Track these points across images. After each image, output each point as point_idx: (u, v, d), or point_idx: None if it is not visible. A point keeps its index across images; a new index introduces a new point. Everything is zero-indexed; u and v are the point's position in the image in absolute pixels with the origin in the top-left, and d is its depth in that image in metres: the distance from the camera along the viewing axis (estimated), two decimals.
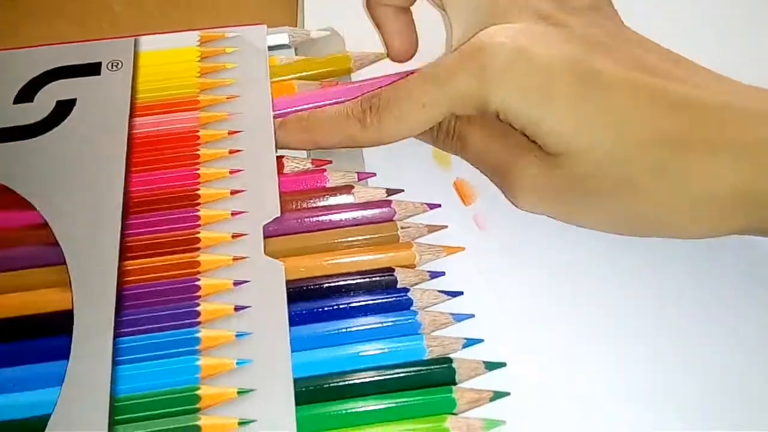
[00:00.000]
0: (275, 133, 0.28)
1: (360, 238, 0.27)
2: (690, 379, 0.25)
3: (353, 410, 0.23)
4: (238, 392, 0.22)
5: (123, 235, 0.25)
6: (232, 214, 0.26)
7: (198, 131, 0.28)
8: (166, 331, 0.23)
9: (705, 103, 0.24)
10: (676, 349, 0.25)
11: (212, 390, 0.22)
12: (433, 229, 0.28)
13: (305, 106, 0.30)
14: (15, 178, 0.26)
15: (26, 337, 0.23)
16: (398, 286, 0.26)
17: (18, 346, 0.23)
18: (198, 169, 0.27)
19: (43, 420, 0.21)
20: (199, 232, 0.25)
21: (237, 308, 0.23)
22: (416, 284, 0.26)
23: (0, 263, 0.25)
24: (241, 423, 0.21)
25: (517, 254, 0.28)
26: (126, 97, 0.28)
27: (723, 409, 0.24)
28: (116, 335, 0.22)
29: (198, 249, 0.25)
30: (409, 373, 0.24)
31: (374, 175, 0.29)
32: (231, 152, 0.27)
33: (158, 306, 0.24)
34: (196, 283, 0.24)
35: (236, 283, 0.24)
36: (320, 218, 0.27)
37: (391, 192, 0.28)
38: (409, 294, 0.25)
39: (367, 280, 0.26)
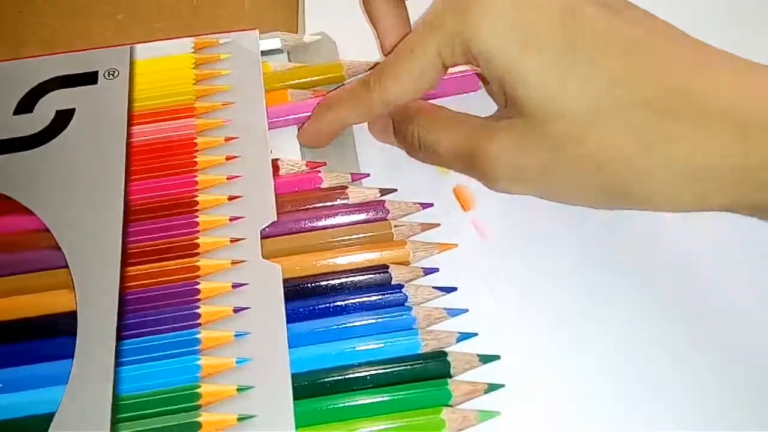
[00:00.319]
0: (300, 136, 0.29)
1: (355, 237, 0.27)
2: (685, 368, 0.25)
3: (351, 404, 0.23)
4: (238, 389, 0.22)
5: (124, 242, 0.25)
6: (230, 219, 0.26)
7: (195, 138, 0.29)
8: (168, 332, 0.24)
9: (698, 72, 0.23)
10: (670, 340, 0.26)
11: (212, 387, 0.22)
12: (426, 227, 0.28)
13: (298, 115, 0.30)
14: (18, 188, 0.27)
15: (32, 338, 0.24)
16: (393, 282, 0.26)
17: (23, 346, 0.24)
18: (196, 176, 0.28)
19: (48, 417, 0.21)
20: (198, 238, 0.26)
21: (236, 309, 0.24)
22: (411, 281, 0.27)
23: (5, 267, 0.26)
24: (241, 419, 0.22)
25: (516, 254, 0.28)
26: (123, 106, 0.29)
27: (714, 405, 0.24)
28: (119, 338, 0.23)
29: (197, 254, 0.26)
30: (405, 367, 0.24)
31: (368, 175, 0.30)
32: (228, 158, 0.28)
33: (159, 309, 0.24)
34: (196, 286, 0.25)
35: (235, 286, 0.25)
36: (316, 218, 0.28)
37: (384, 192, 0.29)
38: (403, 290, 0.26)
39: (363, 277, 0.26)
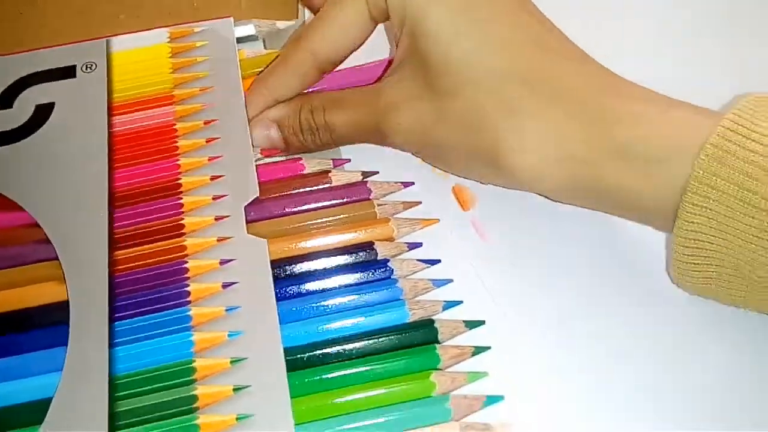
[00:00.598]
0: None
1: (339, 217, 0.28)
2: (685, 368, 0.25)
3: (344, 373, 0.24)
4: (231, 361, 0.23)
5: (111, 228, 0.26)
6: (214, 198, 0.27)
7: (175, 124, 0.29)
8: (160, 311, 0.24)
9: (572, 64, 0.25)
10: (670, 340, 0.26)
11: (206, 361, 0.23)
12: (408, 205, 0.29)
13: None
14: (2, 182, 0.27)
15: (26, 329, 0.24)
16: (378, 257, 0.27)
17: (17, 337, 0.24)
18: (178, 159, 0.28)
19: (46, 402, 0.22)
20: (183, 219, 0.26)
21: (225, 285, 0.24)
22: (396, 255, 0.27)
23: None
24: (236, 389, 0.22)
25: (515, 255, 0.28)
26: (103, 97, 0.29)
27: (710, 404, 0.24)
28: (112, 319, 0.23)
29: (183, 234, 0.26)
30: (394, 336, 0.25)
31: (349, 161, 0.30)
32: (208, 141, 0.28)
33: (150, 290, 0.25)
34: (185, 265, 0.25)
35: (222, 262, 0.25)
36: (299, 202, 0.28)
37: (366, 175, 0.30)
38: (389, 264, 0.27)
39: (349, 255, 0.27)
